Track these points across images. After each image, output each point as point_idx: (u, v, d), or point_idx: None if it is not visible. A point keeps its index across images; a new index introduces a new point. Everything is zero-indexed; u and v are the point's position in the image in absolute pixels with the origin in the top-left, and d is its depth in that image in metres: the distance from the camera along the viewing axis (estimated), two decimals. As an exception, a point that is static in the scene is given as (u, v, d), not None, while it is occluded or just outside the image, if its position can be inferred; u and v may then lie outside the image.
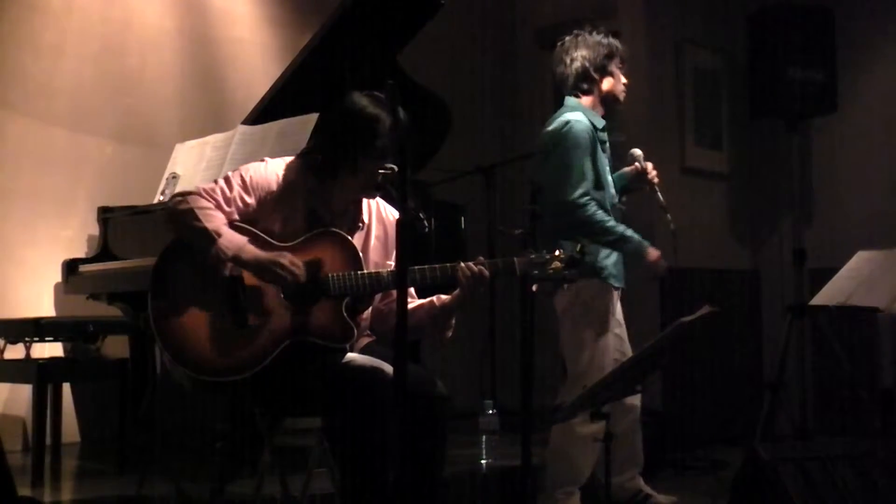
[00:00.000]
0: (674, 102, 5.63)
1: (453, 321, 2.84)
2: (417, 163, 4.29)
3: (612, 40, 3.71)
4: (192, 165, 4.15)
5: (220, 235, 2.67)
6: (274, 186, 2.79)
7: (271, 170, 2.82)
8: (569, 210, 3.47)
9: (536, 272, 2.72)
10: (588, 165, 3.55)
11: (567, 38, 3.73)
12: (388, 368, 2.62)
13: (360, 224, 2.89)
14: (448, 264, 2.74)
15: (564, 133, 3.58)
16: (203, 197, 2.73)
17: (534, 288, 2.83)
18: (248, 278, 2.72)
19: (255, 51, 5.49)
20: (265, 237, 2.76)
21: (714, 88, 5.87)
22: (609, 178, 3.70)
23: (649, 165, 3.74)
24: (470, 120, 5.47)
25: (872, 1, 5.52)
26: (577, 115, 3.63)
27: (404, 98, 2.46)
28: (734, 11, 5.79)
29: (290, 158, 2.88)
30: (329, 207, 2.84)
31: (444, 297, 2.82)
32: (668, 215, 3.63)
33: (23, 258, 4.68)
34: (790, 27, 5.36)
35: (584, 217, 3.47)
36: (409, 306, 2.81)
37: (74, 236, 4.74)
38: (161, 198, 4.16)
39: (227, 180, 2.78)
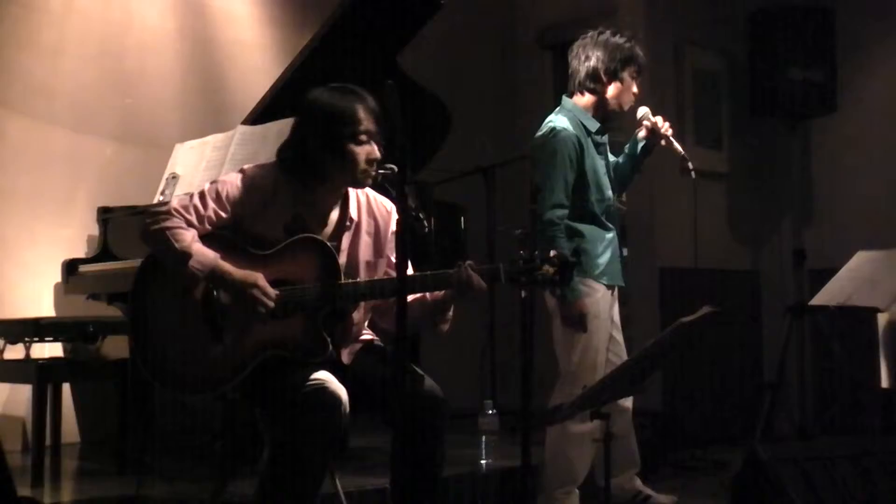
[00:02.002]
0: (674, 102, 5.63)
1: (450, 314, 2.79)
2: (417, 163, 4.28)
3: (633, 48, 3.67)
4: (192, 166, 4.15)
5: (190, 256, 2.64)
6: (253, 197, 2.74)
7: (248, 180, 2.76)
8: (542, 223, 3.47)
9: (524, 278, 2.66)
10: (567, 178, 3.55)
11: (590, 35, 3.70)
12: (337, 393, 2.58)
13: (349, 223, 2.84)
14: (438, 272, 2.70)
15: (546, 143, 3.59)
16: (174, 216, 2.69)
17: (522, 294, 2.80)
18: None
19: (255, 51, 5.49)
20: (244, 246, 2.72)
21: (714, 88, 5.87)
22: (604, 181, 3.68)
23: (659, 119, 3.70)
24: (470, 120, 5.46)
25: (872, 1, 5.52)
26: (565, 120, 3.61)
27: (404, 98, 2.46)
28: (734, 12, 5.79)
29: (267, 164, 2.84)
30: (314, 209, 2.81)
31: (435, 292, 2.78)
32: (690, 163, 3.63)
33: (23, 258, 4.67)
34: (790, 27, 5.36)
35: (548, 235, 3.48)
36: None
37: (74, 236, 4.74)
38: (161, 198, 4.15)
39: (202, 196, 2.74)
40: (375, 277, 2.82)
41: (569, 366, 3.60)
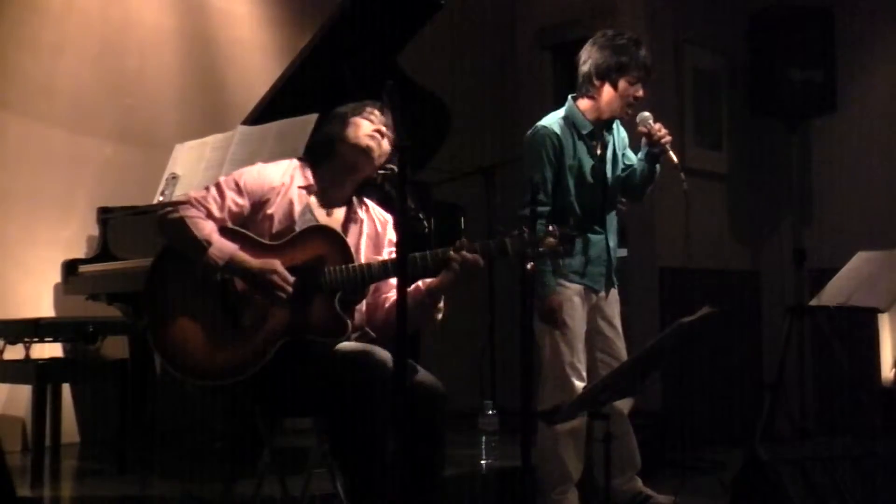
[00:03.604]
0: (674, 102, 5.63)
1: (442, 304, 2.86)
2: (417, 163, 4.28)
3: (631, 51, 3.56)
4: (191, 166, 4.15)
5: (210, 244, 2.70)
6: (267, 190, 2.84)
7: (265, 175, 2.87)
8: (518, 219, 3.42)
9: (529, 250, 2.74)
10: (544, 173, 3.55)
11: (594, 36, 3.65)
12: (380, 351, 2.65)
13: (355, 219, 2.96)
14: (440, 250, 2.75)
15: (527, 141, 3.62)
16: (193, 206, 2.76)
17: (529, 266, 2.82)
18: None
19: (255, 51, 5.49)
20: (258, 239, 2.79)
21: (714, 88, 5.87)
22: (590, 182, 3.64)
23: (656, 126, 3.61)
24: (470, 120, 5.46)
25: (872, 1, 5.52)
26: (551, 119, 3.62)
27: (404, 98, 2.47)
28: (734, 12, 5.79)
29: (283, 162, 2.95)
30: (324, 201, 2.92)
31: (428, 280, 2.83)
32: (682, 174, 3.58)
33: (23, 258, 4.67)
34: (790, 27, 5.36)
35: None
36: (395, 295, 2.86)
37: (74, 237, 4.74)
38: (161, 198, 4.16)
39: (219, 187, 2.83)
40: None
41: (542, 359, 3.63)
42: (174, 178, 4.19)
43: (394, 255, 2.83)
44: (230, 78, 5.38)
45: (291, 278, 2.72)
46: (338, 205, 2.95)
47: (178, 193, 3.97)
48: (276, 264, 2.72)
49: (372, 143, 2.90)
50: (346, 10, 4.13)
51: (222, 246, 2.71)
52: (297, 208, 2.85)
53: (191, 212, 2.75)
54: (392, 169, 2.77)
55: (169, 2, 5.24)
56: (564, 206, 3.60)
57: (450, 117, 4.48)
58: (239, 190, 2.82)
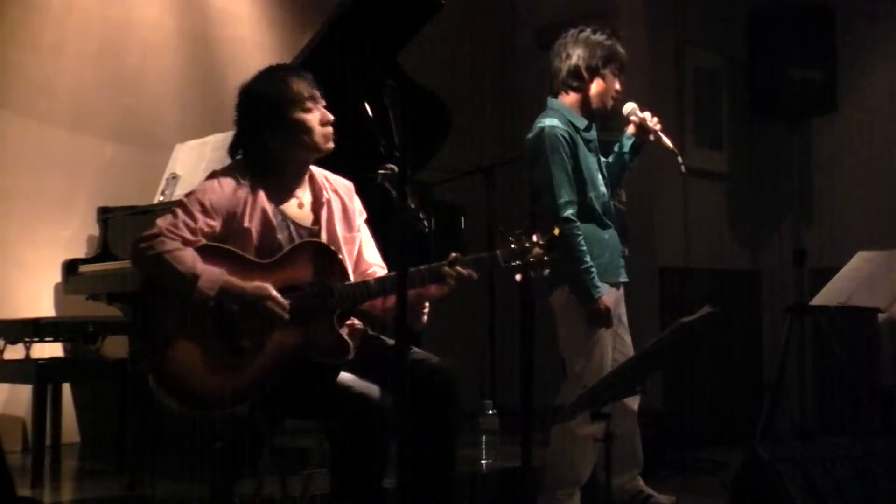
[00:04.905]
0: (674, 102, 5.63)
1: (426, 308, 2.82)
2: (417, 163, 4.28)
3: (614, 45, 3.66)
4: (192, 165, 4.16)
5: (197, 277, 2.59)
6: (234, 202, 2.73)
7: (226, 186, 2.75)
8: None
9: (519, 262, 2.74)
10: (568, 172, 3.53)
11: (570, 33, 3.71)
12: (377, 393, 2.63)
13: (323, 201, 2.87)
14: (435, 265, 2.73)
15: (540, 141, 3.57)
16: (167, 237, 2.63)
17: (518, 277, 2.82)
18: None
19: (255, 51, 5.48)
20: (244, 255, 2.70)
21: (714, 88, 5.87)
22: (598, 177, 3.66)
23: (647, 115, 3.67)
24: (470, 120, 5.46)
25: (872, 1, 5.52)
26: (553, 119, 3.60)
27: (404, 98, 2.46)
28: (734, 11, 5.80)
29: (232, 163, 2.84)
30: (288, 193, 2.83)
31: None
32: (679, 158, 3.60)
33: (23, 258, 4.67)
34: (790, 27, 5.37)
35: (566, 232, 3.43)
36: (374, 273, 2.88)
37: (74, 236, 4.74)
38: (161, 198, 4.16)
39: (185, 209, 2.69)
40: (354, 252, 2.88)
41: (575, 367, 3.59)
42: (174, 177, 4.19)
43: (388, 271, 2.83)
44: (230, 78, 5.35)
45: (286, 303, 2.63)
46: (299, 191, 2.86)
47: (178, 193, 3.97)
48: (269, 289, 2.63)
49: (330, 146, 2.83)
50: (346, 10, 4.13)
51: (210, 276, 2.60)
52: (270, 212, 2.76)
53: (167, 245, 2.61)
54: (392, 169, 2.74)
55: (169, 2, 5.24)
56: (584, 204, 3.60)
57: (450, 117, 4.48)
58: (206, 211, 2.69)
